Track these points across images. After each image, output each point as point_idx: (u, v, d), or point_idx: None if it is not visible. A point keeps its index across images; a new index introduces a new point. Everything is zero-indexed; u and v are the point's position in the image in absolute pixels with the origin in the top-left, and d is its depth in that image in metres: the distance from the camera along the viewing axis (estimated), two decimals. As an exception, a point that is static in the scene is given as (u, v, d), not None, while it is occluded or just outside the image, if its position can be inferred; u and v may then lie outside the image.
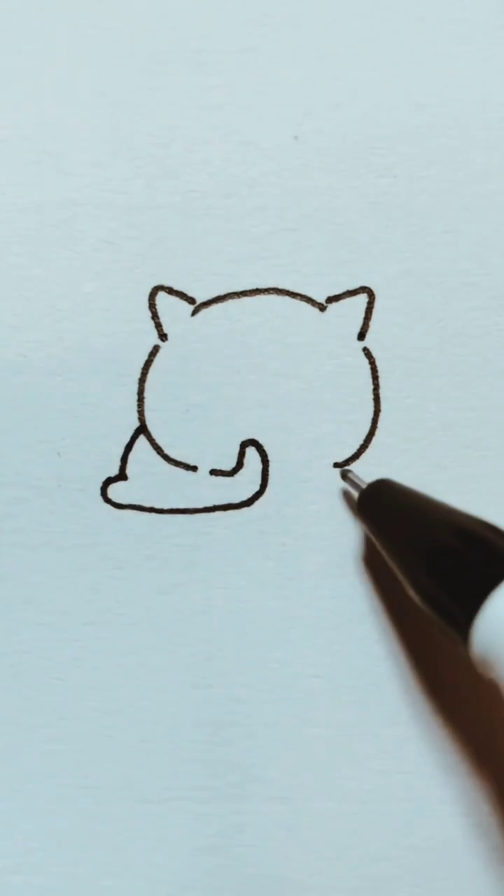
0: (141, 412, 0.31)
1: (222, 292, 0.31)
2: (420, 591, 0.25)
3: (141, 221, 0.31)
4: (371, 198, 0.31)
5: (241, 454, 0.31)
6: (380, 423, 0.31)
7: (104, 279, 0.31)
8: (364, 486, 0.29)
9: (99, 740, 0.31)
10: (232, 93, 0.31)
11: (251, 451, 0.31)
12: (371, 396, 0.31)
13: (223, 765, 0.31)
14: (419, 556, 0.25)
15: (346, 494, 0.31)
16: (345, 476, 0.30)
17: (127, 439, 0.31)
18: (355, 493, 0.29)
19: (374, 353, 0.31)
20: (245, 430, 0.31)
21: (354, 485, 0.30)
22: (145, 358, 0.31)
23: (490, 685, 0.23)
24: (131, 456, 0.31)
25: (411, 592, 0.26)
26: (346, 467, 0.30)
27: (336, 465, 0.31)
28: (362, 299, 0.31)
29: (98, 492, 0.31)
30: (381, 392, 0.31)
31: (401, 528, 0.27)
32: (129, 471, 0.31)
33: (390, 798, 0.31)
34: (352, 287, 0.31)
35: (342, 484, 0.30)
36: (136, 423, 0.31)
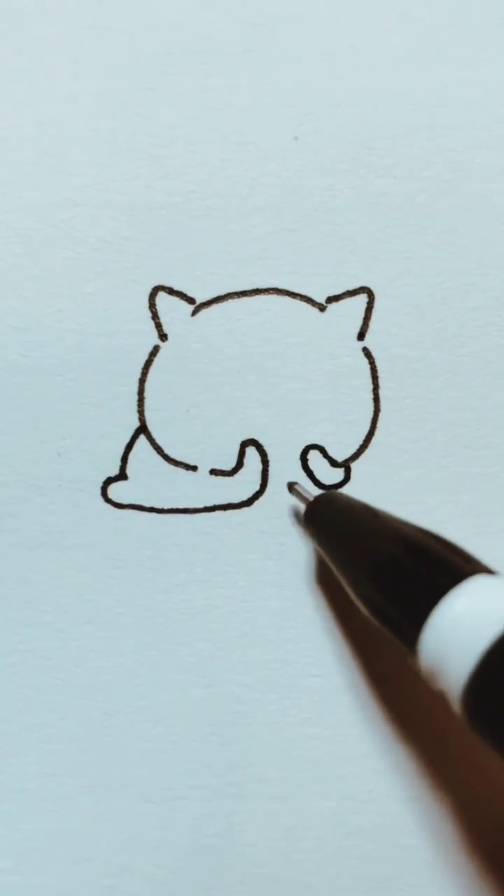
0: (141, 412, 0.31)
1: (222, 292, 0.31)
2: (368, 604, 0.25)
3: (141, 221, 0.31)
4: (371, 198, 0.31)
5: (241, 454, 0.31)
6: (379, 423, 0.31)
7: (104, 279, 0.31)
8: (311, 499, 0.29)
9: (99, 740, 0.31)
10: (232, 93, 0.31)
11: (251, 451, 0.31)
12: (371, 396, 0.31)
13: (223, 764, 0.31)
14: (365, 568, 0.25)
15: (295, 508, 0.31)
16: (291, 489, 0.30)
17: (127, 439, 0.31)
18: (302, 507, 0.29)
19: (374, 353, 0.31)
20: (245, 430, 0.31)
21: (302, 497, 0.29)
22: (145, 358, 0.31)
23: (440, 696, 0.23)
24: (131, 456, 0.31)
25: (359, 605, 0.26)
26: (293, 481, 0.30)
27: (288, 483, 0.31)
28: (362, 299, 0.31)
29: (98, 492, 0.31)
30: (381, 392, 0.31)
31: (347, 541, 0.27)
32: (129, 471, 0.31)
33: (390, 798, 0.31)
34: (351, 287, 0.31)
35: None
36: (137, 423, 0.31)
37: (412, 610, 0.23)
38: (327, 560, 0.28)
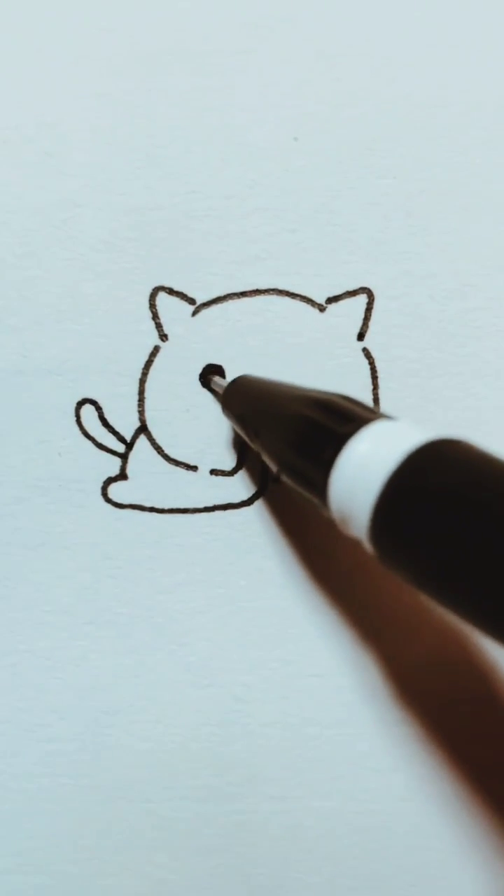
0: (141, 412, 0.31)
1: (222, 293, 0.31)
2: (284, 466, 0.25)
3: (141, 222, 0.31)
4: (370, 198, 0.31)
5: (241, 454, 0.31)
6: (379, 424, 0.31)
7: (104, 280, 0.31)
8: (225, 386, 0.29)
9: (99, 740, 0.31)
10: (232, 94, 0.31)
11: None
12: (371, 396, 0.31)
13: (223, 764, 0.31)
14: (277, 430, 0.25)
15: (216, 397, 0.31)
16: (208, 384, 0.31)
17: (127, 439, 0.31)
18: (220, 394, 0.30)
19: (374, 354, 0.31)
20: (245, 429, 0.31)
21: (219, 387, 0.30)
22: (145, 358, 0.31)
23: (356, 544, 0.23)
24: (131, 456, 0.31)
25: (276, 468, 0.26)
26: (210, 374, 0.31)
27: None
28: (362, 300, 0.31)
29: (98, 492, 0.31)
30: (381, 392, 0.31)
31: (260, 412, 0.27)
32: (129, 471, 0.31)
33: (390, 798, 0.31)
34: (351, 288, 0.31)
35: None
36: (137, 423, 0.31)
37: (320, 461, 0.23)
38: (245, 438, 0.28)
